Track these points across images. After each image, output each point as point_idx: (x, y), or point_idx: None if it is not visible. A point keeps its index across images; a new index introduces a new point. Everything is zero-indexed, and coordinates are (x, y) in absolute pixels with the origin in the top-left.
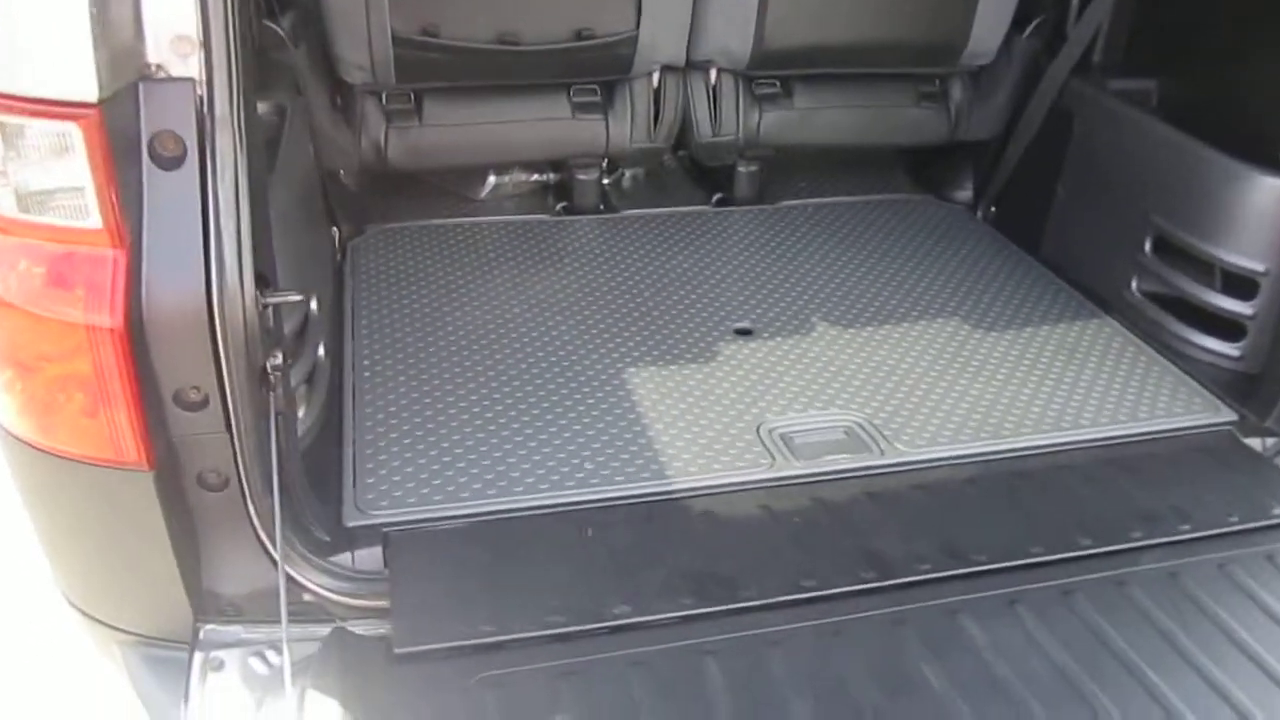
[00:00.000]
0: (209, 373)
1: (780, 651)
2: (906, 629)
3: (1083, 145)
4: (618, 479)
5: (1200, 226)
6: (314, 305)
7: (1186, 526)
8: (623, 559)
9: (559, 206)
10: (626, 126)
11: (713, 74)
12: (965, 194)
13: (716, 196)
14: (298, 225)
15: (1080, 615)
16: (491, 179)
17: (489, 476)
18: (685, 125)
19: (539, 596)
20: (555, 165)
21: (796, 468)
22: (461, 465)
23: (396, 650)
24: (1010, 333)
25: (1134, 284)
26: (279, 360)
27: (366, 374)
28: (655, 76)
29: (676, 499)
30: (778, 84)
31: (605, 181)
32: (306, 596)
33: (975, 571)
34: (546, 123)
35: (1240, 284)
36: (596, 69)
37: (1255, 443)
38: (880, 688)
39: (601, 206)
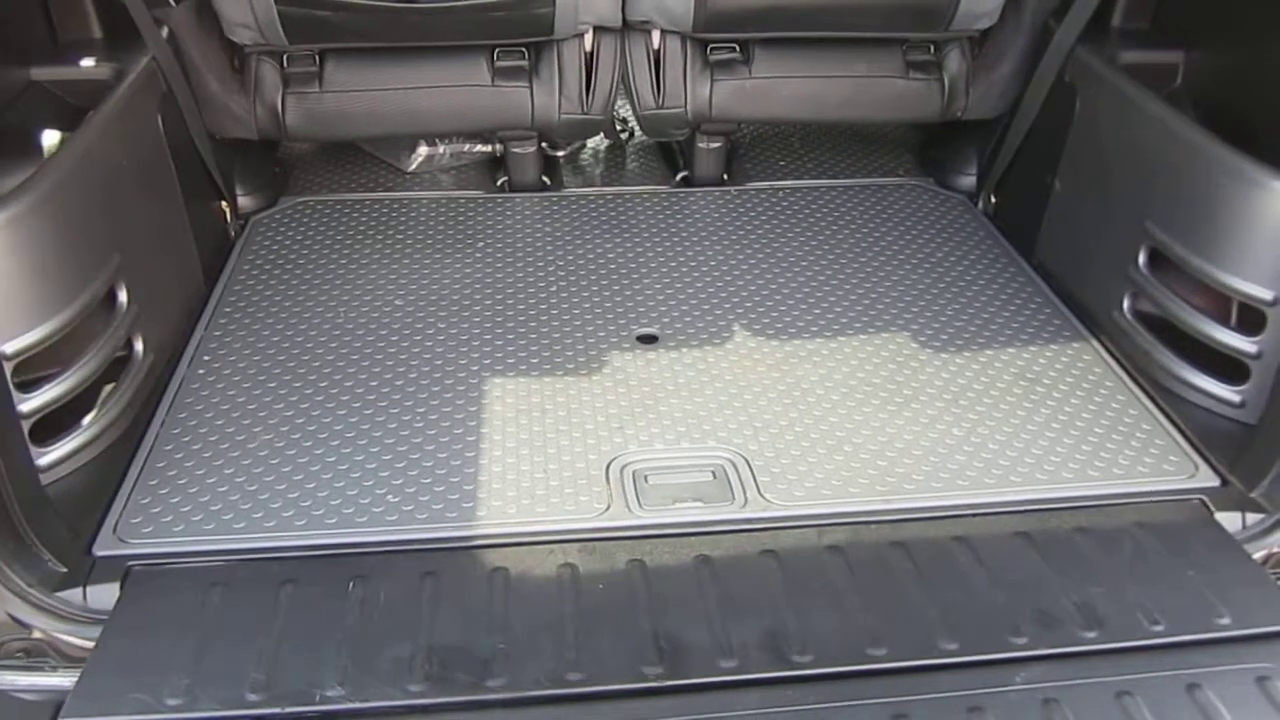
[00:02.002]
0: None
1: None
2: None
3: (1083, 130)
4: (419, 517)
5: (1200, 240)
6: (123, 295)
7: (1091, 635)
8: (374, 623)
9: (500, 182)
10: (554, 95)
11: (655, 36)
12: (969, 180)
13: (680, 175)
14: (132, 199)
15: None
16: (422, 149)
17: (275, 505)
18: (627, 95)
19: (247, 666)
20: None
21: (631, 517)
22: (252, 489)
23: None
24: (966, 356)
25: (1125, 304)
26: None
27: (200, 372)
28: (589, 39)
29: (473, 548)
30: (736, 49)
31: (560, 154)
32: (36, 634)
33: (794, 676)
34: (463, 90)
35: (1246, 314)
36: (513, 29)
37: (1232, 518)
38: None
39: (547, 181)
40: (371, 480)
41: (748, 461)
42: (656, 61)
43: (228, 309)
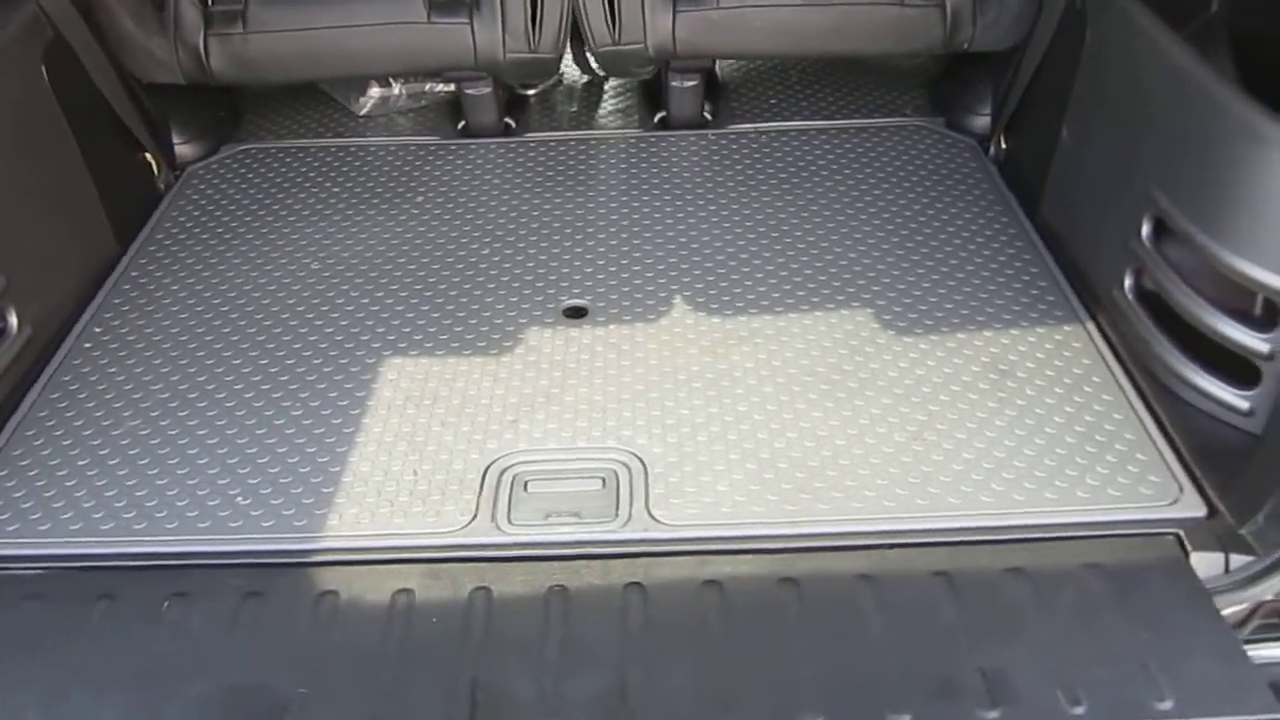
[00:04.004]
0: None
1: None
2: None
3: (1091, 68)
4: (264, 525)
5: (1208, 213)
6: None
7: (992, 716)
8: (177, 654)
9: (460, 125)
10: (496, 32)
11: None
12: (982, 121)
13: (658, 116)
14: (8, 154)
15: None
16: (374, 91)
17: (119, 504)
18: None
19: (26, 708)
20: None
21: (493, 534)
22: (101, 484)
23: None
24: (932, 340)
25: (1126, 281)
26: None
27: (87, 345)
28: None
29: (308, 565)
30: None
31: (530, 94)
32: None
33: None
34: (398, 28)
35: (1263, 306)
36: None
37: (1212, 560)
38: None
39: (511, 124)
40: (228, 478)
41: (646, 468)
42: None
43: (135, 273)
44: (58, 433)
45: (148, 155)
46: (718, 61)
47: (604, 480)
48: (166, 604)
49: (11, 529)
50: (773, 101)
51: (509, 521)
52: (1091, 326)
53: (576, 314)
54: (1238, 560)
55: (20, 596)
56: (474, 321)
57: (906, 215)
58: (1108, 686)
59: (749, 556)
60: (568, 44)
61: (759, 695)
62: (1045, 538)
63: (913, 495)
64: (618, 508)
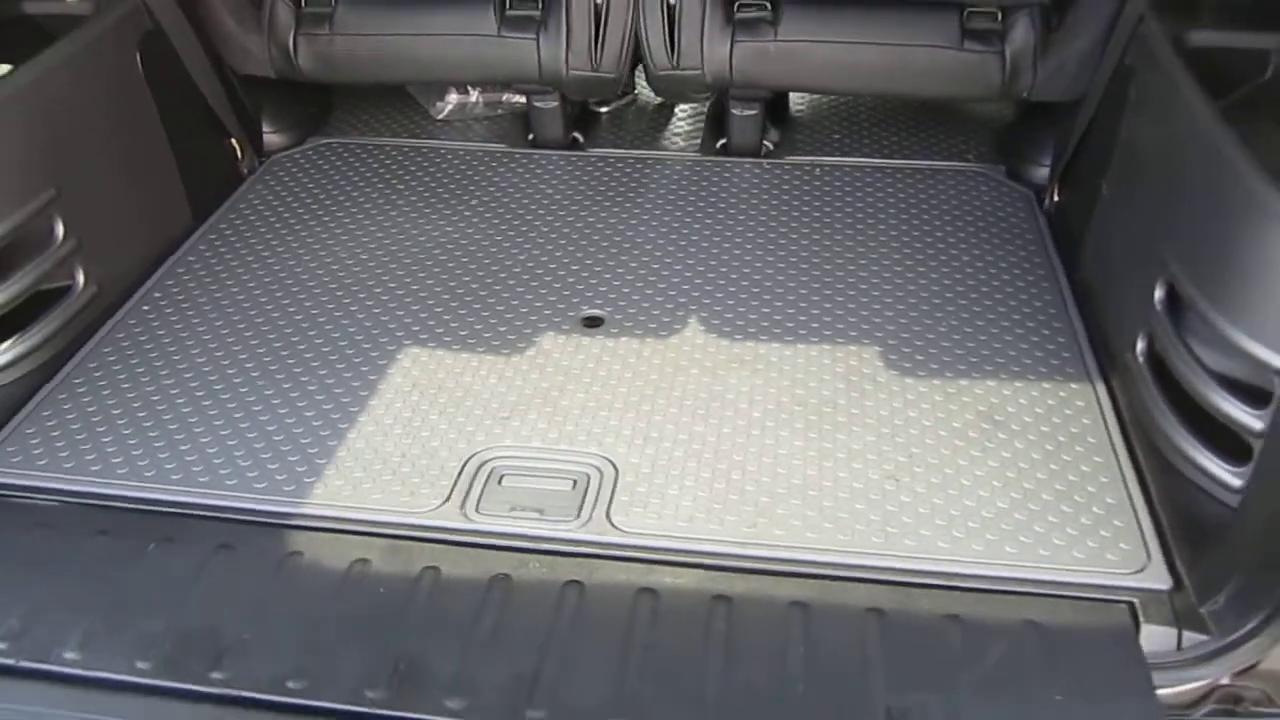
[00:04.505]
0: None
1: None
2: None
3: (1132, 126)
4: (258, 486)
5: (1212, 280)
6: (59, 228)
7: None
8: (149, 591)
9: (529, 137)
10: (561, 50)
11: None
12: (1042, 172)
13: (720, 143)
14: (85, 136)
15: None
16: (452, 96)
17: (137, 453)
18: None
19: (12, 612)
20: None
21: (457, 519)
22: (127, 433)
23: None
24: (933, 384)
25: (1139, 345)
26: None
27: (145, 309)
28: None
29: (279, 526)
30: (766, 6)
31: (603, 110)
32: None
33: None
34: (468, 40)
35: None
36: None
37: (1164, 634)
38: None
39: (579, 139)
40: (236, 440)
41: (617, 475)
42: (671, 17)
43: (202, 247)
44: (101, 383)
45: (233, 140)
46: (791, 93)
47: (575, 482)
48: (152, 546)
49: (41, 462)
50: (836, 136)
51: (476, 510)
52: (1101, 387)
53: (593, 323)
54: (1192, 639)
55: (33, 523)
56: (493, 321)
57: (942, 260)
58: None
59: (691, 570)
60: (629, 65)
61: (664, 705)
62: (991, 590)
63: (869, 532)
64: (580, 509)
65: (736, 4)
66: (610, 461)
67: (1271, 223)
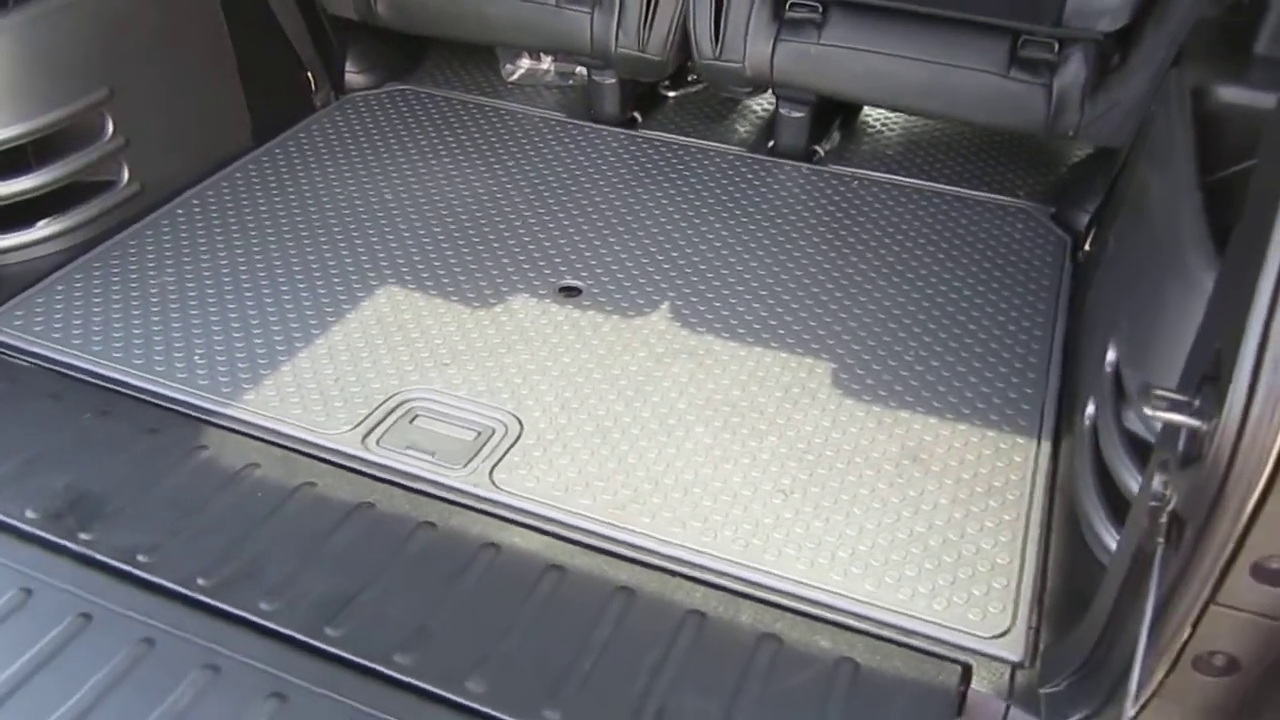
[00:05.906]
0: None
1: None
2: None
3: (1138, 175)
4: (201, 383)
5: (1137, 346)
6: (110, 125)
7: None
8: (74, 452)
9: (590, 111)
10: (612, 27)
11: None
12: (1085, 217)
13: (770, 143)
14: (149, 47)
15: None
16: (524, 62)
17: (138, 342)
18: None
19: None
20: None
21: (351, 446)
22: (137, 321)
23: None
24: (877, 409)
25: (1088, 408)
26: None
27: (179, 212)
28: None
29: (204, 421)
30: (819, 8)
31: (671, 94)
32: None
33: (306, 645)
34: (530, 6)
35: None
36: None
37: (991, 706)
38: None
39: (638, 118)
40: (222, 342)
41: (521, 435)
42: (720, 8)
43: (253, 167)
44: (126, 271)
45: (309, 74)
46: (863, 106)
47: (479, 434)
48: (101, 414)
49: (56, 336)
50: (889, 153)
51: (376, 443)
52: (1046, 446)
53: (570, 293)
54: (1018, 717)
55: (46, 394)
56: (478, 276)
57: (944, 291)
58: None
59: (540, 536)
60: (676, 49)
61: (461, 642)
62: (822, 618)
63: (731, 540)
64: (469, 460)
65: (789, 3)
66: (519, 421)
67: (1188, 290)
